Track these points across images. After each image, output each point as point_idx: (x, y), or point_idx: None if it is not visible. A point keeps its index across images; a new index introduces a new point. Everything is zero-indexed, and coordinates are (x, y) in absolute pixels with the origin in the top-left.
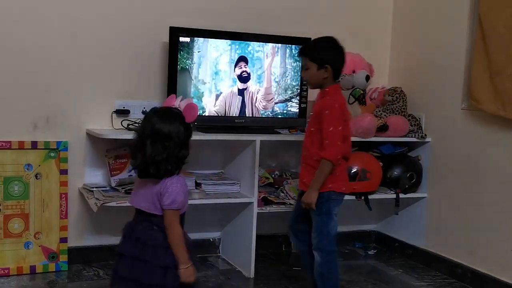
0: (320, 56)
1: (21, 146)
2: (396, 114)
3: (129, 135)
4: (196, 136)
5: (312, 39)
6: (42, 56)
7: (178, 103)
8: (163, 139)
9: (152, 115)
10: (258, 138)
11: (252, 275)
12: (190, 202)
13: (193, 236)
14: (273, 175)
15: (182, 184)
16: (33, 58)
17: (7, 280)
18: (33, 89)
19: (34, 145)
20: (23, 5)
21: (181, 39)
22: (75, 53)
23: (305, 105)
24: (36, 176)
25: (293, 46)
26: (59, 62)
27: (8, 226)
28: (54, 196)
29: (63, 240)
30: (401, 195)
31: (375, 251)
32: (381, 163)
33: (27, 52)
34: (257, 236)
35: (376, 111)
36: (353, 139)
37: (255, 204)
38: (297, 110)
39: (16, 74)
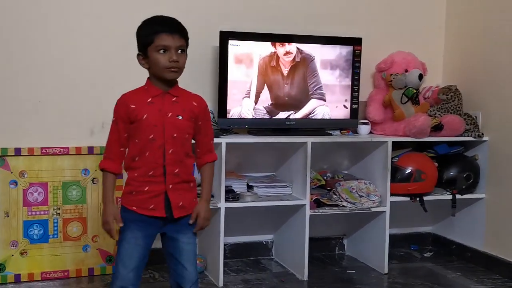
0: (188, 42)
1: (78, 151)
2: (451, 113)
3: None
4: (248, 139)
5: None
6: (97, 64)
7: None
8: None
9: None
10: (309, 140)
11: (305, 277)
12: (243, 205)
13: (246, 238)
14: (325, 177)
15: None
16: (89, 66)
17: (67, 282)
18: (89, 95)
19: (90, 150)
20: (81, 15)
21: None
22: (128, 60)
23: (356, 106)
24: (92, 181)
25: (345, 47)
26: (114, 69)
27: (67, 229)
28: None
29: None
30: (458, 196)
31: (431, 253)
32: (436, 164)
33: (83, 60)
34: (310, 238)
35: (430, 111)
36: (407, 139)
37: (308, 207)
38: (349, 111)
39: (73, 82)
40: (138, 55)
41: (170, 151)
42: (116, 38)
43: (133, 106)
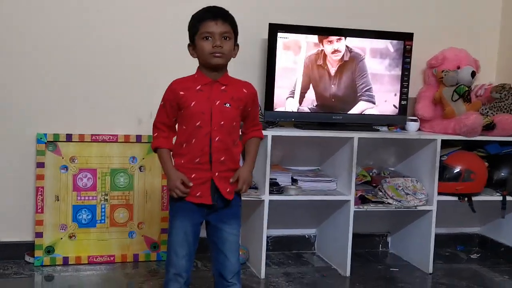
0: (237, 31)
1: (126, 139)
2: (504, 112)
3: None
4: (293, 133)
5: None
6: (147, 54)
7: None
8: None
9: None
10: (356, 135)
11: (348, 274)
12: (287, 198)
13: (289, 232)
14: (370, 173)
15: None
16: (139, 57)
17: (112, 267)
18: (139, 86)
19: (138, 138)
20: (131, 6)
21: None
22: (176, 52)
23: (405, 102)
24: (140, 169)
25: (394, 41)
26: (162, 61)
27: (114, 215)
28: (156, 188)
29: (164, 231)
30: (508, 198)
31: (478, 255)
32: (486, 163)
33: (133, 52)
34: (353, 234)
35: (482, 109)
36: (457, 137)
37: (352, 202)
38: (397, 107)
39: (123, 72)
40: (188, 45)
41: (216, 139)
42: (166, 29)
43: (182, 93)
